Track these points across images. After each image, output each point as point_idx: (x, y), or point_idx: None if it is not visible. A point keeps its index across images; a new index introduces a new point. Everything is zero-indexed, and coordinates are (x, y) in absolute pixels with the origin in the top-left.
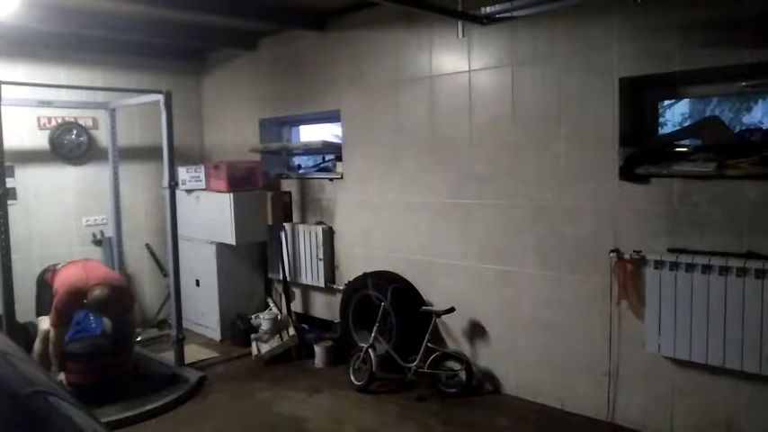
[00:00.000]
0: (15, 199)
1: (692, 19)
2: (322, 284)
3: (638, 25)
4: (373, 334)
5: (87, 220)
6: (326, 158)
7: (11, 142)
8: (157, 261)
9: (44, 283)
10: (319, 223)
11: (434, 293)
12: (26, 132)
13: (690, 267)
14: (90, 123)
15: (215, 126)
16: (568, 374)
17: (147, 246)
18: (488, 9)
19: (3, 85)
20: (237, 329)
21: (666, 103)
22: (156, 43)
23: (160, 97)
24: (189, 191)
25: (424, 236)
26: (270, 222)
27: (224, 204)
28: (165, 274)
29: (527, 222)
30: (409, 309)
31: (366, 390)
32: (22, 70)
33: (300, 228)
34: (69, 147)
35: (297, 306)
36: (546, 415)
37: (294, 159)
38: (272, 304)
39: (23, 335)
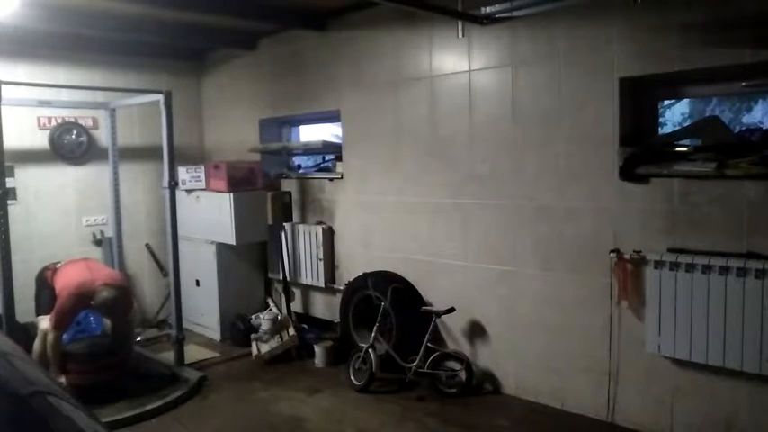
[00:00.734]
0: (15, 199)
1: (692, 19)
2: (322, 284)
3: (638, 25)
4: (373, 334)
5: (87, 220)
6: (326, 158)
7: (11, 142)
8: (157, 261)
9: (43, 282)
10: (319, 223)
11: (434, 293)
12: (26, 132)
13: (690, 267)
14: (90, 123)
15: (215, 126)
16: (568, 374)
17: (147, 246)
18: (488, 9)
19: (3, 85)
20: (237, 329)
21: (666, 103)
22: (156, 43)
23: (160, 97)
24: (189, 191)
25: (424, 236)
26: (270, 222)
27: (224, 204)
28: (165, 274)
29: (527, 222)
30: (409, 309)
31: (366, 390)
32: (22, 70)
33: (300, 228)
34: (69, 147)
35: (297, 306)
36: (546, 415)
37: (294, 159)
38: (272, 304)
39: (23, 335)
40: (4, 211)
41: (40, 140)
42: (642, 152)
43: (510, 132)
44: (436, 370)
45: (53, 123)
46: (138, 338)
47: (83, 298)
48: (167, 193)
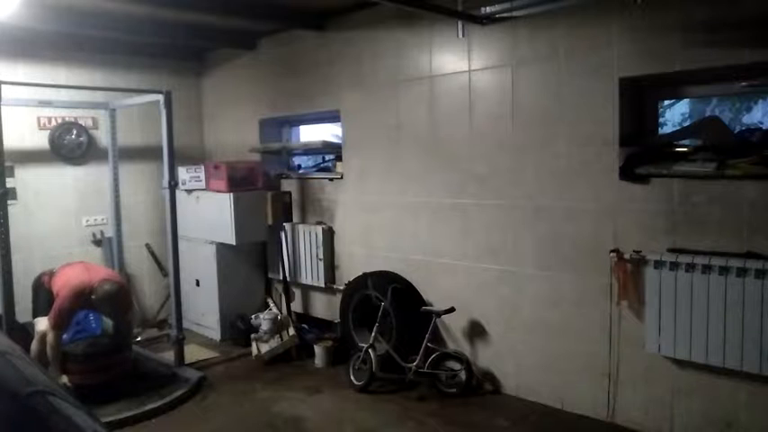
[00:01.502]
0: (15, 199)
1: (692, 19)
2: (322, 284)
3: (638, 25)
4: (373, 334)
5: (87, 220)
6: (326, 158)
7: (11, 142)
8: (157, 261)
9: (40, 287)
10: (319, 223)
11: (434, 293)
12: (26, 132)
13: (690, 267)
14: (90, 123)
15: (215, 126)
16: (568, 374)
17: (147, 246)
18: (488, 9)
19: (3, 85)
20: (237, 329)
21: (666, 103)
22: (156, 43)
23: (160, 97)
24: (189, 191)
25: (424, 236)
26: (270, 222)
27: (224, 204)
28: (165, 274)
29: (527, 222)
30: (409, 309)
31: (366, 390)
32: (22, 70)
33: (300, 228)
34: (69, 147)
35: (297, 306)
36: (546, 415)
37: (294, 159)
38: (272, 304)
39: (23, 335)
40: (4, 211)
41: (40, 140)
42: (642, 152)
43: (510, 132)
44: (436, 370)
45: (53, 123)
46: (138, 338)
47: (82, 296)
48: (167, 193)
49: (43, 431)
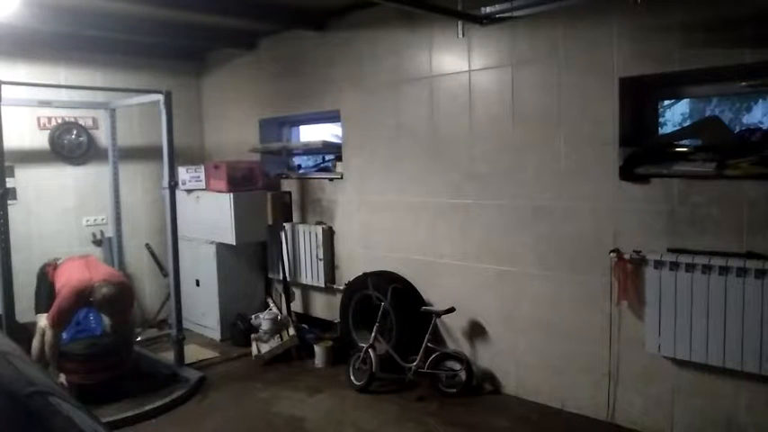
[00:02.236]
0: (15, 199)
1: (692, 19)
2: (322, 284)
3: (638, 25)
4: (373, 334)
5: (87, 220)
6: (326, 158)
7: (11, 142)
8: (157, 261)
9: (44, 278)
10: (319, 223)
11: (434, 293)
12: (26, 132)
13: (690, 267)
14: (90, 123)
15: (215, 126)
16: (568, 374)
17: (147, 246)
18: (488, 9)
19: (3, 85)
20: (237, 329)
21: (666, 103)
22: (156, 43)
23: (160, 97)
24: (189, 191)
25: (424, 236)
26: (270, 222)
27: (224, 204)
28: (165, 274)
29: (527, 222)
30: (409, 309)
31: (366, 390)
32: (22, 70)
33: (300, 228)
34: (69, 147)
35: (297, 306)
36: (546, 415)
37: (294, 159)
38: (272, 304)
39: (23, 334)
40: (4, 211)
41: (40, 140)
42: (642, 152)
43: (510, 132)
44: (436, 370)
45: (53, 123)
46: (138, 338)
47: (82, 296)
48: (167, 193)
49: (43, 431)
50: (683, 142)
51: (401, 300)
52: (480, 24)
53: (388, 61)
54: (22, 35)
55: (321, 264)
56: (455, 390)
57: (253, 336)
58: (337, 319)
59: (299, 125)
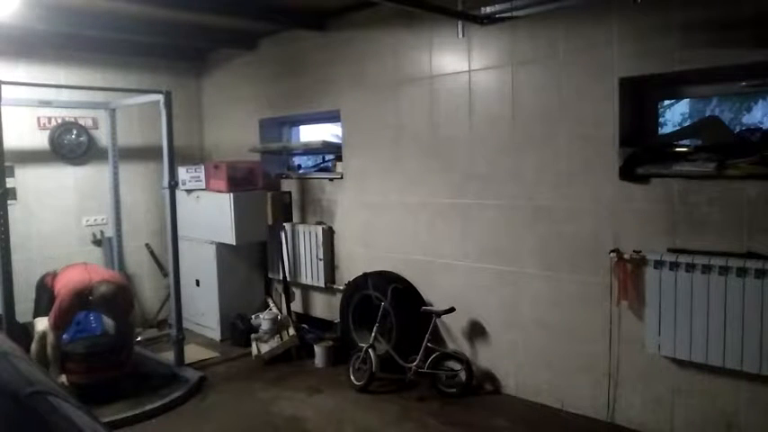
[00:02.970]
0: (15, 199)
1: (692, 19)
2: (322, 284)
3: (638, 25)
4: (373, 334)
5: (87, 220)
6: (326, 158)
7: (11, 142)
8: (157, 261)
9: (43, 287)
10: (319, 223)
11: (434, 293)
12: (26, 132)
13: (690, 267)
14: (90, 123)
15: (215, 126)
16: (568, 374)
17: (147, 246)
18: (488, 9)
19: (3, 85)
20: (237, 329)
21: (666, 103)
22: (156, 43)
23: (160, 97)
24: (189, 191)
25: (424, 236)
26: (270, 222)
27: (224, 204)
28: (165, 274)
29: (527, 222)
30: (409, 309)
31: (366, 390)
32: (22, 70)
33: (300, 228)
34: (69, 147)
35: (297, 306)
36: (546, 415)
37: (294, 159)
38: (272, 304)
39: (23, 335)
40: (4, 211)
41: (40, 140)
42: (642, 152)
43: (510, 132)
44: (436, 370)
45: (53, 123)
46: (138, 338)
47: (81, 296)
48: (167, 193)
49: (43, 431)
50: (683, 142)
51: (401, 300)
52: (480, 24)
53: (389, 61)
54: (22, 35)
55: (321, 264)
56: (455, 390)
57: (253, 336)
58: (337, 319)
59: (299, 125)
